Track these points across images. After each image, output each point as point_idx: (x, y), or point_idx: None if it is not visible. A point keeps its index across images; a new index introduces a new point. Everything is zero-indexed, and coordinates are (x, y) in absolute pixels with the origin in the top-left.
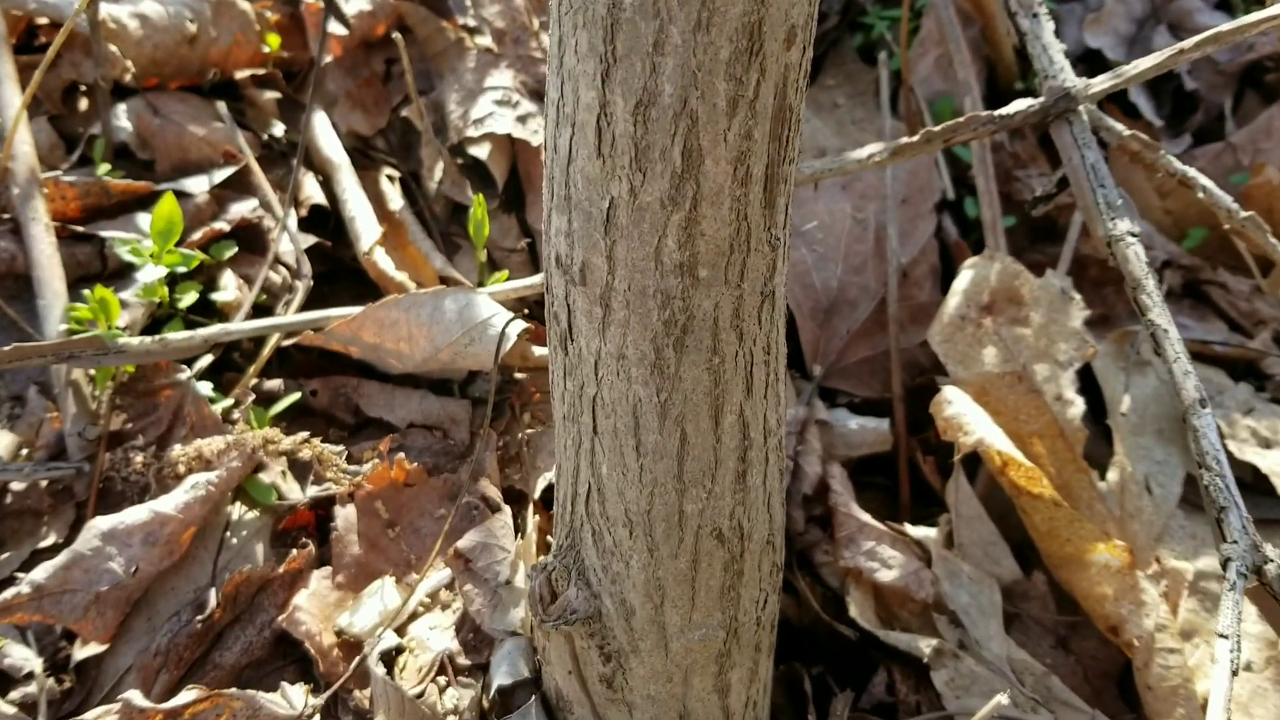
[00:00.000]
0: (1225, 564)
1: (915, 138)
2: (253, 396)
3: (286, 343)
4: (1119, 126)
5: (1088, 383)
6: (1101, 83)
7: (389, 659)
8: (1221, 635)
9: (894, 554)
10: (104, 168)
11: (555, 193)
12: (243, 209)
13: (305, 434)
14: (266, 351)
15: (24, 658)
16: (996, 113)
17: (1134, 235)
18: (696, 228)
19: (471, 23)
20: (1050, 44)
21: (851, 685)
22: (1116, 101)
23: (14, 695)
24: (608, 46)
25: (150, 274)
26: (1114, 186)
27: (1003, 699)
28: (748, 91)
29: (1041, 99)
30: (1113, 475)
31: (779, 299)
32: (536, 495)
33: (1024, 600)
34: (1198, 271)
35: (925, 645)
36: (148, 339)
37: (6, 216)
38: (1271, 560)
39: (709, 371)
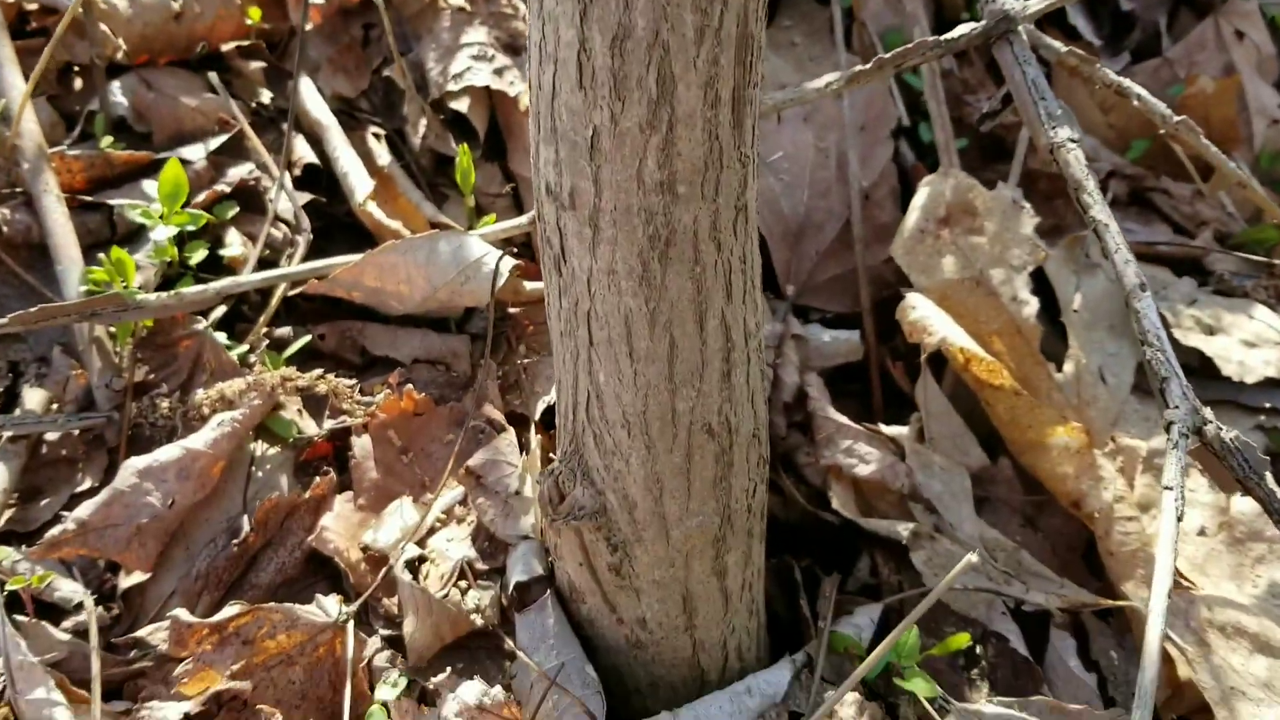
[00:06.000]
0: (1168, 427)
1: (868, 65)
2: (265, 343)
3: (292, 292)
4: (1057, 44)
5: (1042, 288)
6: (1038, 3)
7: (413, 567)
8: (1167, 488)
9: (870, 450)
10: (106, 140)
11: (541, 126)
12: (240, 172)
13: (320, 370)
14: (275, 301)
15: (72, 590)
16: (942, 37)
17: (1074, 141)
18: (673, 148)
19: None
20: None
21: (837, 572)
22: (1058, 24)
23: (66, 625)
24: None
25: (161, 234)
26: (1054, 99)
27: (973, 558)
28: (713, 21)
29: (983, 21)
30: (1069, 367)
31: (751, 212)
32: (537, 417)
33: (992, 484)
34: (1141, 180)
35: (903, 529)
36: (164, 294)
37: (19, 190)
38: (1210, 422)
39: (692, 280)
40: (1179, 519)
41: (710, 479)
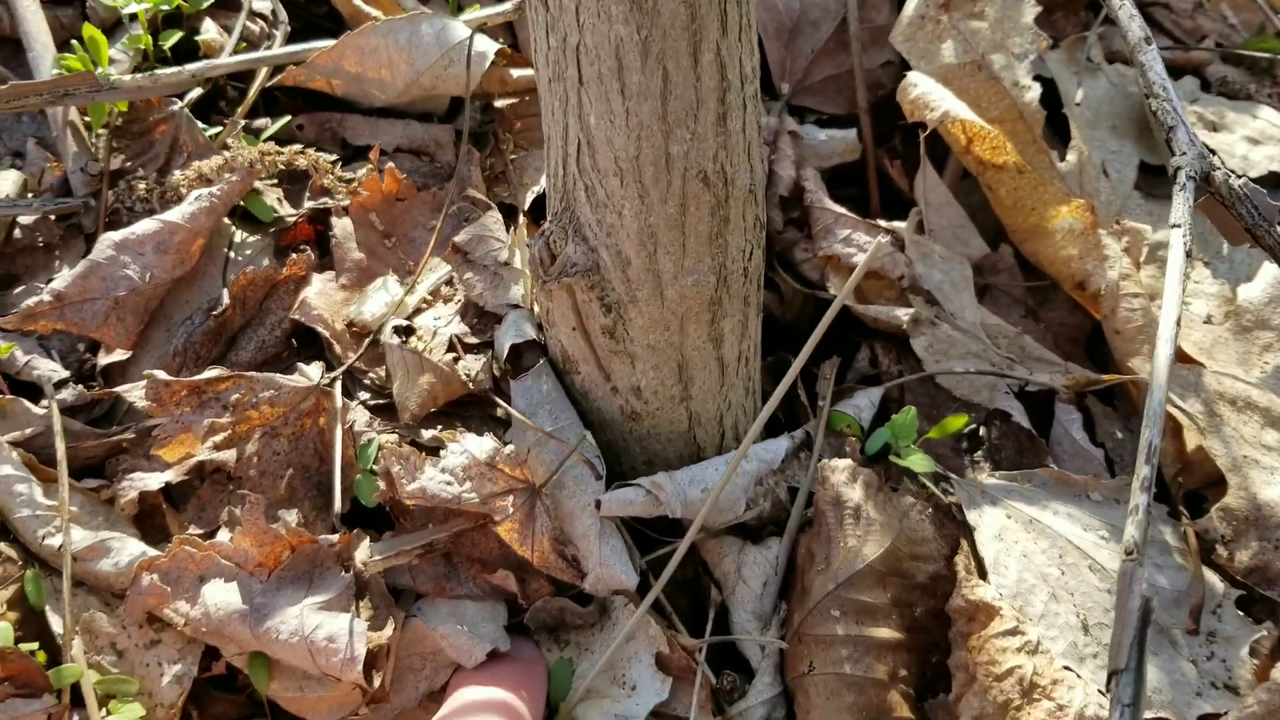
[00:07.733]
0: (1175, 173)
1: None
2: (242, 125)
3: (271, 83)
4: None
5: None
6: None
7: (401, 336)
8: (1174, 225)
9: (869, 240)
10: None
11: None
12: None
13: (299, 146)
14: (253, 91)
15: (51, 368)
16: None
17: None
18: None
19: None
20: None
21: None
22: None
23: (44, 403)
24: None
25: (133, 8)
26: None
27: (883, 239)
28: None
29: None
30: (1071, 157)
31: None
32: (526, 207)
33: (993, 273)
34: None
35: (903, 314)
36: (139, 75)
37: None
38: (1218, 168)
39: (685, 5)
40: (1187, 254)
41: (706, 234)
